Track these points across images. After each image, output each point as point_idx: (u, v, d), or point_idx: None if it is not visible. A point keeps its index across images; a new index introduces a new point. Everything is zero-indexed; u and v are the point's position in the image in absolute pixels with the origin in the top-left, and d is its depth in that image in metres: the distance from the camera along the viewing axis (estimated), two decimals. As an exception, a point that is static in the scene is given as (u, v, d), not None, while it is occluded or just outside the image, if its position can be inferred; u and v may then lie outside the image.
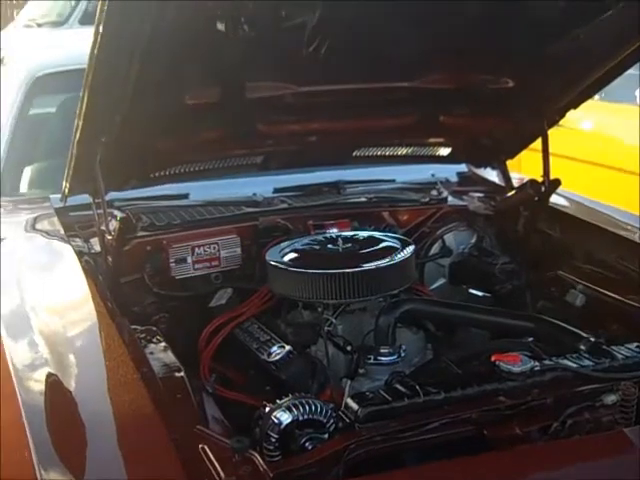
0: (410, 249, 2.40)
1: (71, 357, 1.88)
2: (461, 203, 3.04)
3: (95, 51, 1.95)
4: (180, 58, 2.12)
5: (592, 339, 2.07)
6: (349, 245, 2.43)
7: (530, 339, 2.19)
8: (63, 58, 3.56)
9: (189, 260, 2.60)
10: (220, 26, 2.07)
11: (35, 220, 2.75)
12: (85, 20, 13.13)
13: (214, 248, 2.63)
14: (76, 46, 3.78)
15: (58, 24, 13.41)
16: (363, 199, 2.96)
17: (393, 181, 3.21)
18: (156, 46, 1.99)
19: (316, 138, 2.78)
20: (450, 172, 3.29)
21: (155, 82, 2.17)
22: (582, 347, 2.04)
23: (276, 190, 3.00)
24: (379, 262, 2.29)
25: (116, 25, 1.87)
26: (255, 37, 2.08)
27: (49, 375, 1.77)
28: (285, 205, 2.85)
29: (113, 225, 2.48)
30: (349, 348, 2.25)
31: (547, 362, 1.89)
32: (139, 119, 2.26)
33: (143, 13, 1.87)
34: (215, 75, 2.31)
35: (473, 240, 2.93)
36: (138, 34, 1.93)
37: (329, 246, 2.44)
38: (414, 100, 2.64)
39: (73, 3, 13.81)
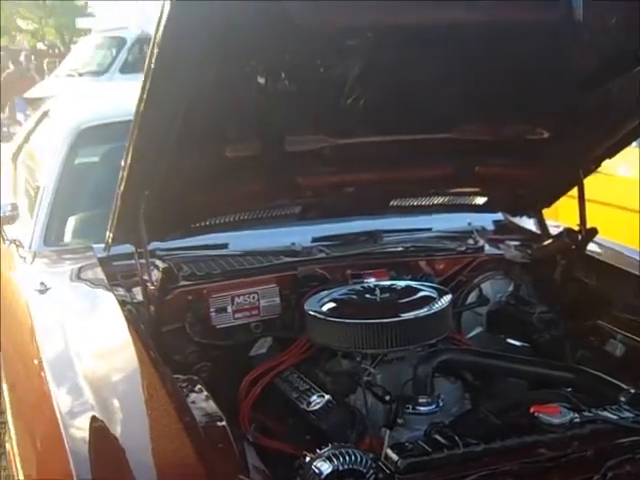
0: (447, 298, 2.42)
1: (115, 404, 1.92)
2: (498, 252, 3.06)
3: (141, 108, 2.01)
4: (221, 112, 2.19)
5: (632, 390, 2.07)
6: (387, 295, 2.46)
7: (569, 390, 2.19)
8: (106, 111, 3.65)
9: (229, 309, 2.65)
10: (260, 80, 2.14)
11: (79, 270, 2.81)
12: (125, 69, 13.56)
13: (254, 297, 2.67)
14: (119, 99, 3.91)
15: (99, 73, 13.83)
16: (400, 248, 2.99)
17: (429, 230, 3.23)
18: (199, 102, 2.06)
19: (353, 189, 2.82)
20: (486, 220, 3.31)
21: (197, 136, 2.24)
22: (622, 399, 2.03)
23: (314, 239, 3.04)
24: (417, 312, 2.32)
25: (162, 83, 1.94)
26: (294, 90, 2.15)
27: (94, 420, 1.81)
28: (323, 254, 2.89)
29: (155, 275, 2.54)
30: (388, 398, 2.27)
31: (587, 414, 1.90)
32: (181, 172, 2.33)
33: (188, 72, 1.94)
34: (255, 128, 2.37)
35: (510, 289, 2.94)
36: (182, 92, 2.00)
37: (367, 296, 2.47)
38: (450, 151, 2.68)
39: (114, 53, 14.24)
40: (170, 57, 1.86)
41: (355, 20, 1.93)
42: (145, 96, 1.97)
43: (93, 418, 1.82)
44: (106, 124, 3.46)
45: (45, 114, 4.29)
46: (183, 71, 1.93)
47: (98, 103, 3.98)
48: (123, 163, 2.25)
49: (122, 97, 3.95)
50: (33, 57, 16.69)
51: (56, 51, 26.78)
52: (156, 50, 1.82)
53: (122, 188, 2.31)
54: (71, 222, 3.23)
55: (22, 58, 16.15)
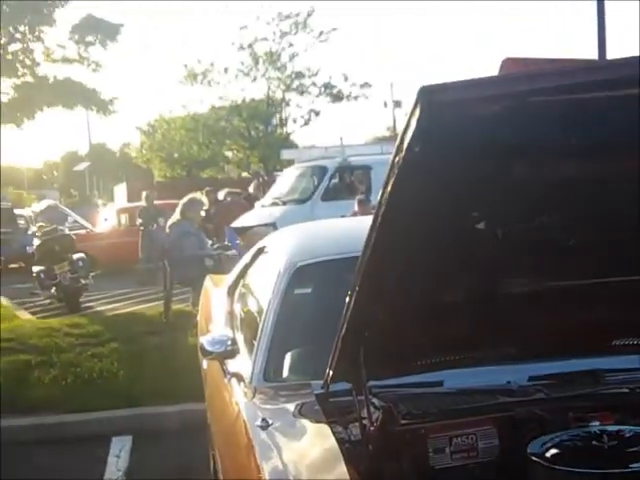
0: (682, 448, 2.31)
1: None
2: None
3: (367, 254, 2.14)
4: (440, 257, 2.28)
5: None
6: (614, 442, 2.38)
7: None
8: (321, 248, 3.85)
9: (447, 450, 2.65)
10: (480, 227, 2.22)
11: (298, 407, 2.93)
12: (326, 197, 14.13)
13: (472, 439, 2.66)
14: (333, 236, 4.10)
15: (302, 201, 14.48)
16: (625, 390, 2.89)
17: (657, 370, 3.10)
18: (420, 249, 2.17)
19: (572, 328, 2.78)
20: None
21: (416, 279, 2.33)
22: None
23: (531, 378, 3.00)
24: (647, 463, 2.22)
25: (387, 232, 2.06)
26: (511, 236, 2.20)
27: None
28: (542, 395, 2.85)
29: (373, 413, 2.60)
30: None
31: None
32: (400, 313, 2.43)
33: (412, 222, 2.06)
34: (472, 272, 2.43)
35: None
36: (406, 240, 2.12)
37: (593, 442, 2.40)
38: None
39: (315, 182, 14.91)
40: (396, 211, 1.98)
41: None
42: (371, 243, 2.11)
43: None
44: (322, 262, 3.63)
45: (261, 250, 4.54)
46: (407, 222, 2.04)
47: (313, 240, 4.18)
48: (345, 307, 2.38)
49: (336, 234, 4.17)
50: (261, 186, 17.65)
51: (260, 180, 28.37)
52: (383, 208, 1.96)
53: (344, 330, 2.43)
54: (289, 358, 3.37)
55: (251, 189, 17.21)
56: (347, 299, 2.36)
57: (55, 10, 12.66)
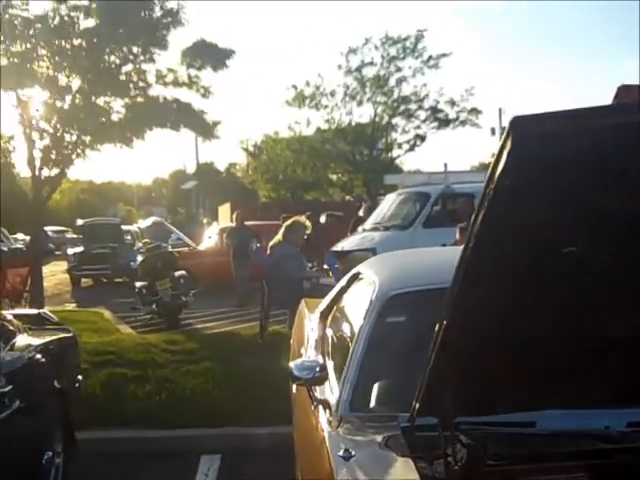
0: None
1: None
2: None
3: (454, 289, 2.10)
4: (532, 291, 2.21)
5: None
6: None
7: None
8: (415, 278, 3.80)
9: None
10: (573, 261, 2.14)
11: (384, 440, 2.88)
12: (428, 224, 14.03)
13: None
14: (427, 265, 4.04)
15: (403, 227, 14.43)
16: None
17: None
18: (510, 284, 2.10)
19: None
20: None
21: (508, 314, 2.26)
22: None
23: (630, 424, 2.86)
24: None
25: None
26: (609, 272, 2.11)
27: None
28: None
29: (459, 450, 2.53)
30: None
31: None
32: (491, 350, 2.35)
33: (501, 257, 2.00)
34: (566, 309, 2.34)
35: None
36: (495, 275, 2.05)
37: None
38: None
39: (417, 208, 14.84)
40: (486, 244, 1.93)
41: None
42: (460, 275, 2.09)
43: None
44: (416, 291, 3.58)
45: (357, 276, 4.52)
46: (498, 255, 1.99)
47: (408, 269, 4.13)
48: (434, 339, 2.32)
49: (432, 263, 4.10)
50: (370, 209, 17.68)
51: (362, 204, 28.43)
52: (472, 240, 1.91)
53: (432, 363, 2.37)
54: (377, 388, 3.32)
55: (361, 212, 17.31)
56: (436, 331, 2.31)
57: (169, 33, 13.01)
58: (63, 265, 23.75)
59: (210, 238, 20.31)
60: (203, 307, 13.89)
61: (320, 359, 3.99)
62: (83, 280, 22.16)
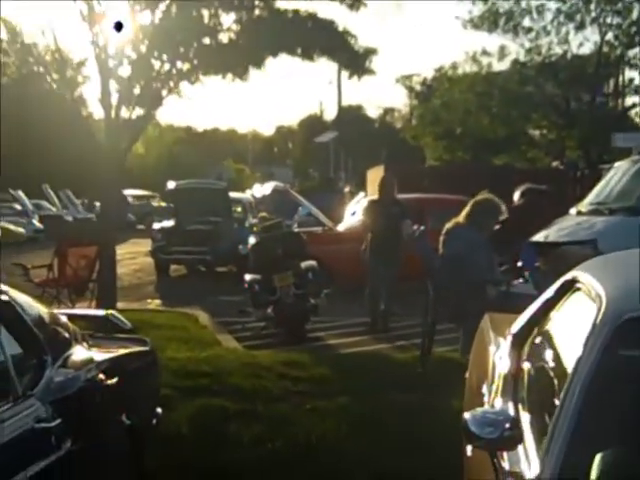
0: None
1: None
2: None
3: None
4: None
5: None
6: None
7: None
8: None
9: None
10: None
11: None
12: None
13: None
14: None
15: (637, 212, 14.02)
16: None
17: None
18: None
19: None
20: None
21: None
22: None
23: None
24: None
25: None
26: None
27: None
28: None
29: None
30: None
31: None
32: None
33: None
34: None
35: None
36: None
37: None
38: None
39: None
40: None
41: None
42: None
43: None
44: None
45: (571, 284, 4.37)
46: None
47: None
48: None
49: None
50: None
51: (577, 174, 28.00)
52: None
53: None
54: (602, 459, 3.15)
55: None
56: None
57: None
58: (146, 245, 24.47)
59: (354, 215, 20.32)
60: (338, 314, 13.96)
61: (511, 409, 3.94)
62: (173, 267, 22.82)
